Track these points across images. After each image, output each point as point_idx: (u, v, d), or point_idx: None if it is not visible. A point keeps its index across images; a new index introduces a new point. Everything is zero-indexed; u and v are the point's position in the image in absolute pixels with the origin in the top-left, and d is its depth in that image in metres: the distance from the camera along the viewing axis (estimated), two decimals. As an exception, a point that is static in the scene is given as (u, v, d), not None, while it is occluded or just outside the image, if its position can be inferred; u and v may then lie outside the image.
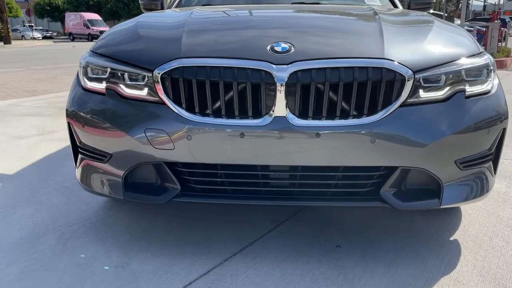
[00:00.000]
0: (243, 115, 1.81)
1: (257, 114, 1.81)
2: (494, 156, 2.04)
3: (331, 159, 1.83)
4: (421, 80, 1.86)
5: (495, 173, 2.07)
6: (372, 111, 1.81)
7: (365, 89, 1.79)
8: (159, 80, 1.85)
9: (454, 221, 2.46)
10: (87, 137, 2.03)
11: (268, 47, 1.85)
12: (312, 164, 1.85)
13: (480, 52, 2.07)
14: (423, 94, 1.86)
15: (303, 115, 1.81)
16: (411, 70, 1.84)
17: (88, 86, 2.05)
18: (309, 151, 1.80)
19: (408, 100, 1.84)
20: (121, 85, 1.95)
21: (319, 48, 1.88)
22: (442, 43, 2.08)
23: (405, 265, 2.03)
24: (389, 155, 1.83)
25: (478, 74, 1.97)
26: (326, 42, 1.98)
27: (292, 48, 1.85)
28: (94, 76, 2.04)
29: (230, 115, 1.83)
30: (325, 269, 1.99)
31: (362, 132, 1.78)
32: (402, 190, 1.95)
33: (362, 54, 1.84)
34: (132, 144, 1.88)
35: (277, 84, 1.77)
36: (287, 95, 1.78)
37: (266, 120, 1.79)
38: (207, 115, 1.83)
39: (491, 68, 2.03)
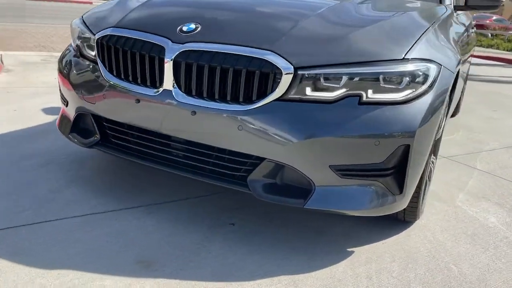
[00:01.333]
0: (144, 83, 2.08)
1: (153, 85, 2.05)
2: (395, 173, 1.94)
3: (205, 138, 1.98)
4: (306, 77, 1.84)
5: (401, 193, 1.97)
6: (249, 100, 1.89)
7: (245, 78, 1.87)
8: (95, 43, 2.24)
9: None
10: (61, 85, 2.53)
11: (179, 27, 2.04)
12: (190, 139, 2.02)
13: (405, 58, 1.90)
14: (310, 92, 1.84)
15: (187, 92, 1.98)
16: (294, 66, 1.84)
17: (72, 45, 2.57)
18: (186, 126, 1.98)
19: (289, 96, 1.85)
20: (82, 46, 2.40)
21: (217, 33, 1.99)
22: (363, 42, 1.97)
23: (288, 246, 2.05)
24: (256, 145, 1.89)
25: (391, 81, 1.86)
26: (229, 29, 2.03)
27: (197, 29, 2.01)
28: (74, 36, 2.50)
29: (135, 81, 2.11)
30: (206, 228, 2.24)
31: (231, 118, 1.89)
32: (275, 183, 1.96)
33: (251, 44, 1.89)
34: (74, 94, 2.33)
35: (166, 59, 1.97)
36: (176, 71, 1.97)
37: (157, 91, 2.02)
38: (121, 78, 2.15)
39: (420, 79, 1.91)
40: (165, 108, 2.00)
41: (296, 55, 1.87)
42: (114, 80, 2.16)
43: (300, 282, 1.87)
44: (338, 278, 1.92)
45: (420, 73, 1.93)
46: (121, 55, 2.13)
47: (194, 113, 1.94)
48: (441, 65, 2.04)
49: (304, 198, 1.91)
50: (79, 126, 2.43)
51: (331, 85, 1.84)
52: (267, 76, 1.85)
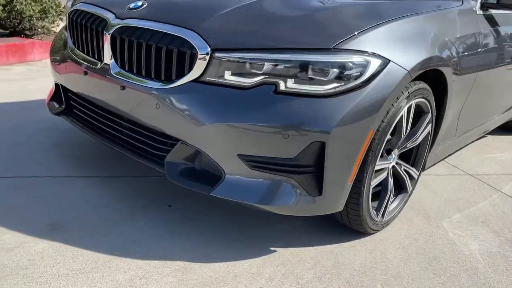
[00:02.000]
0: (92, 56, 2.15)
1: (98, 58, 2.12)
2: (312, 172, 1.77)
3: (132, 114, 1.99)
4: (224, 60, 1.76)
5: (320, 194, 1.80)
6: (169, 79, 1.86)
7: (166, 56, 1.85)
8: (67, 16, 2.42)
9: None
10: None
11: (129, 3, 2.08)
12: (120, 114, 2.06)
13: (336, 49, 1.72)
14: (228, 77, 1.76)
15: (122, 67, 2.00)
16: (211, 47, 1.76)
17: None
18: (118, 100, 2.03)
19: (207, 78, 1.79)
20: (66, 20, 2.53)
21: (155, 11, 2.00)
22: (293, 29, 1.82)
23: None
24: (172, 125, 1.86)
25: (316, 72, 1.71)
26: (168, 8, 2.02)
27: (142, 7, 2.03)
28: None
29: (87, 54, 2.19)
30: (140, 205, 2.25)
31: (151, 95, 1.88)
32: (193, 167, 1.91)
33: (176, 22, 1.88)
34: (52, 64, 2.54)
35: (105, 34, 2.04)
36: (113, 45, 2.02)
37: (99, 64, 2.08)
38: (78, 51, 2.26)
39: (351, 72, 1.72)
40: (103, 82, 2.06)
41: (217, 37, 1.79)
42: (73, 52, 2.29)
43: (190, 270, 1.79)
44: (235, 274, 1.80)
45: (353, 66, 1.73)
46: (79, 28, 2.25)
47: (123, 87, 1.97)
48: (388, 60, 1.81)
49: (212, 185, 1.84)
50: (57, 95, 2.59)
51: (251, 70, 1.73)
52: (185, 56, 1.81)
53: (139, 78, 1.92)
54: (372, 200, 2.15)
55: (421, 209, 2.55)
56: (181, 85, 1.80)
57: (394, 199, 2.36)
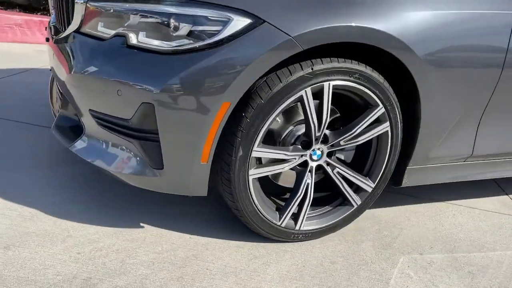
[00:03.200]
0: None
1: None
2: (151, 140, 1.55)
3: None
4: (95, 10, 1.62)
5: (161, 168, 1.58)
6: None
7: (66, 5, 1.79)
8: None
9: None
10: None
11: None
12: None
13: (191, 1, 1.48)
14: (101, 28, 1.62)
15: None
16: None
17: None
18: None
19: (85, 29, 1.68)
20: None
21: None
22: None
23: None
24: (59, 74, 1.81)
25: (168, 25, 1.48)
26: None
27: None
28: None
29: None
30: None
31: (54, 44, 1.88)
32: (68, 119, 1.89)
33: None
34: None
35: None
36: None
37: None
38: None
39: (205, 29, 1.46)
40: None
41: None
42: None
43: (35, 218, 1.76)
44: (70, 234, 1.69)
45: (206, 22, 1.46)
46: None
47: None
48: (263, 20, 1.45)
49: (72, 140, 1.78)
50: None
51: (112, 21, 1.60)
52: (73, 5, 1.72)
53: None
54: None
55: (389, 235, 1.98)
56: (67, 35, 1.76)
57: (329, 209, 1.89)
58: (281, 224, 1.77)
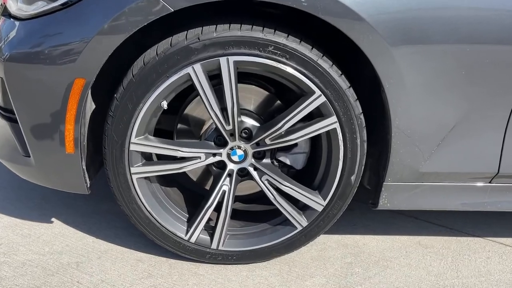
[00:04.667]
0: None
1: None
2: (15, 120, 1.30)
3: None
4: None
5: (28, 155, 1.32)
6: None
7: None
8: None
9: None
10: None
11: None
12: None
13: None
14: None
15: None
16: None
17: None
18: None
19: None
20: None
21: None
22: None
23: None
24: None
25: None
26: None
27: None
28: None
29: None
30: None
31: None
32: None
33: None
34: None
35: None
36: None
37: None
38: None
39: None
40: None
41: None
42: None
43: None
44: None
45: None
46: None
47: None
48: None
49: None
50: None
51: None
52: None
53: None
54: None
55: (358, 275, 1.43)
56: None
57: (266, 228, 1.43)
58: (190, 239, 1.39)
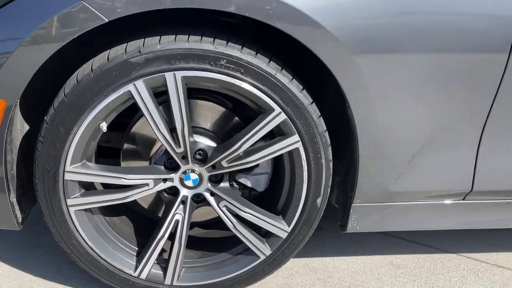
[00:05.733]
0: None
1: None
2: None
3: None
4: None
5: None
6: None
7: None
8: None
9: None
10: None
11: None
12: None
13: None
14: None
15: None
16: None
17: None
18: None
19: None
20: None
21: None
22: None
23: None
24: None
25: None
26: None
27: None
28: None
29: None
30: None
31: None
32: None
33: None
34: None
35: None
36: None
37: None
38: None
39: None
40: None
41: None
42: None
43: None
44: None
45: None
46: None
47: None
48: None
49: None
50: None
51: None
52: None
53: None
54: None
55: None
56: None
57: (226, 258, 1.30)
58: (140, 275, 1.24)
